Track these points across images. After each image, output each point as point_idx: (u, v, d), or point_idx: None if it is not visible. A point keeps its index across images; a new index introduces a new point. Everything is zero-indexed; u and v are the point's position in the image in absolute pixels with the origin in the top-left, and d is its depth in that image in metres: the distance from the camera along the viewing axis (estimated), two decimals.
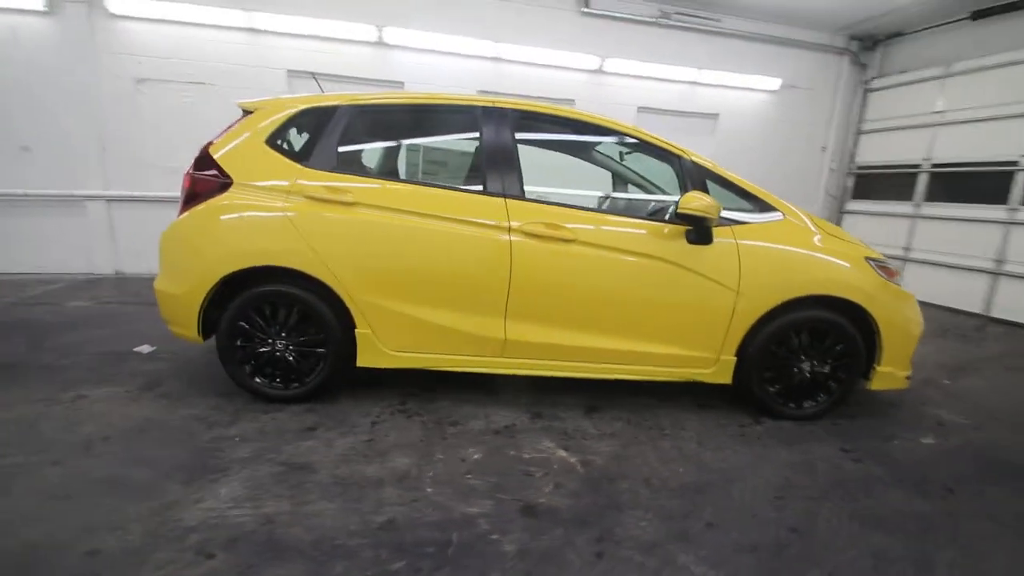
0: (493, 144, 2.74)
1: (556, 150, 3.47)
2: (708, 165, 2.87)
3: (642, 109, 7.00)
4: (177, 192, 5.77)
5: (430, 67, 6.25)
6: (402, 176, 3.73)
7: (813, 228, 2.91)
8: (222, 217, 2.61)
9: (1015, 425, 3.09)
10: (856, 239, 3.10)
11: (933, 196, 6.73)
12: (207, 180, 2.65)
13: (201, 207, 2.62)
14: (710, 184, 2.83)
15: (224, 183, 2.63)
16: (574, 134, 3.31)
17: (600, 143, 3.44)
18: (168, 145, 5.75)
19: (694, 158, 2.86)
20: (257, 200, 2.62)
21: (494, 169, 2.71)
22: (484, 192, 2.69)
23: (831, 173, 7.94)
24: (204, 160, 2.70)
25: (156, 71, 5.64)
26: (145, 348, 3.51)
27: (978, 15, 6.20)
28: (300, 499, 1.99)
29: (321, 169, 2.67)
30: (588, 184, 3.69)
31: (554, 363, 2.78)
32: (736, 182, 2.89)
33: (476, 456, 2.38)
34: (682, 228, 2.70)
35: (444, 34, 6.10)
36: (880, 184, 7.56)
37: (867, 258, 2.87)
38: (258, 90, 5.64)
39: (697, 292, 2.71)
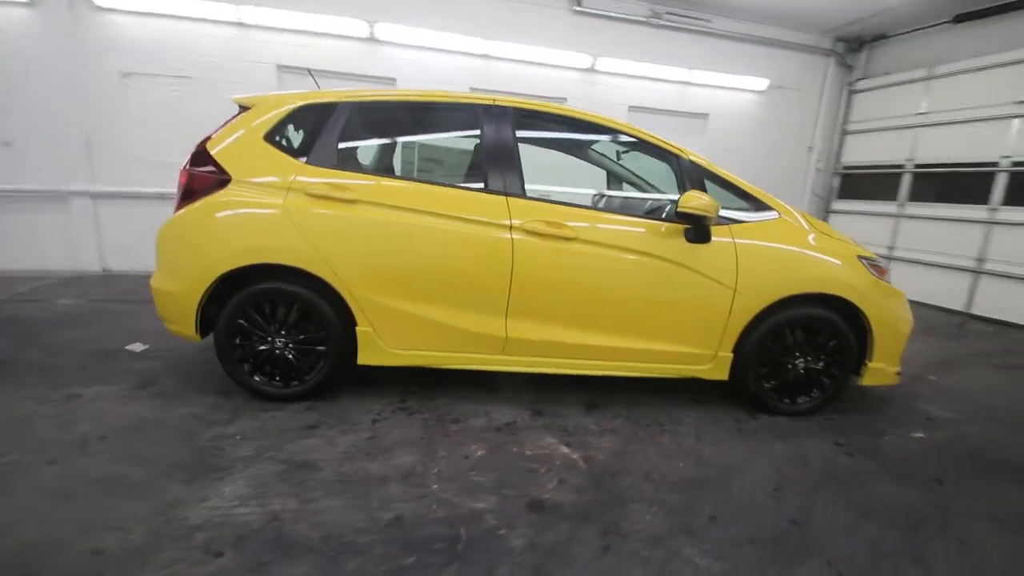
0: (494, 142, 2.74)
1: (557, 149, 3.49)
2: (706, 164, 2.90)
3: (633, 108, 7.06)
4: (166, 188, 5.74)
5: (422, 64, 6.22)
6: (398, 173, 3.72)
7: (807, 227, 2.96)
8: (221, 214, 2.58)
9: (1000, 419, 3.18)
10: (847, 237, 3.16)
11: (917, 196, 6.88)
12: (205, 176, 2.62)
13: (199, 203, 2.59)
14: (707, 183, 2.87)
15: (222, 179, 2.60)
16: (575, 133, 3.33)
17: (599, 142, 3.46)
18: (156, 140, 5.66)
19: (692, 157, 2.89)
20: (256, 197, 2.59)
21: (495, 167, 2.71)
22: (485, 190, 2.70)
23: (817, 173, 8.08)
24: (201, 156, 2.66)
25: (143, 65, 5.54)
26: (137, 346, 3.46)
27: (960, 19, 6.35)
28: (305, 497, 1.99)
29: (321, 166, 2.65)
30: (588, 183, 3.71)
31: (555, 360, 2.80)
32: (733, 181, 2.93)
33: (479, 453, 2.39)
34: (681, 227, 2.73)
35: (436, 30, 6.08)
36: (865, 184, 7.71)
37: (859, 256, 2.94)
38: (247, 85, 5.58)
39: (695, 290, 2.75)
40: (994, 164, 5.92)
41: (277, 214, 2.56)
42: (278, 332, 2.68)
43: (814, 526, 2.03)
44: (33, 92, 5.31)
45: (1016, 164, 5.73)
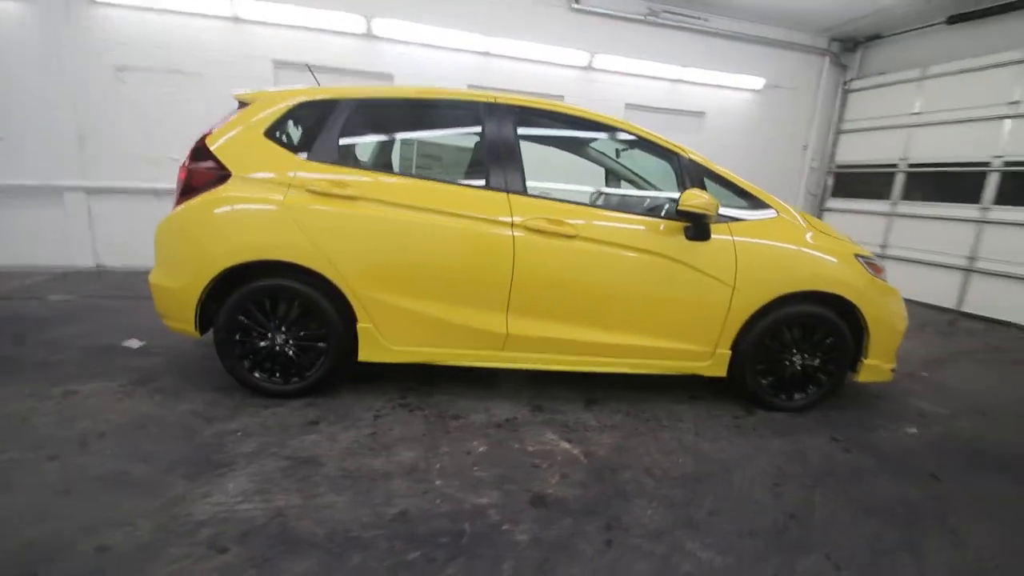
0: (496, 140, 2.74)
1: (559, 147, 3.50)
2: (706, 163, 2.92)
3: (630, 106, 7.07)
4: (160, 183, 5.69)
5: (419, 60, 6.20)
6: (399, 170, 3.71)
7: (805, 225, 2.99)
8: (221, 210, 2.57)
9: (991, 415, 3.23)
10: (844, 236, 3.20)
11: (910, 195, 6.95)
12: (205, 172, 2.60)
13: (199, 199, 2.57)
14: (707, 181, 2.89)
15: (222, 175, 2.59)
16: (577, 131, 3.33)
17: (601, 140, 3.47)
18: (150, 135, 5.62)
19: (692, 156, 2.91)
20: (257, 193, 2.58)
21: (497, 165, 2.72)
22: (487, 187, 2.70)
23: (812, 171, 8.14)
24: (201, 152, 2.64)
25: (136, 59, 5.48)
26: (134, 343, 3.44)
27: (954, 20, 6.41)
28: (309, 492, 1.99)
29: (322, 162, 2.65)
30: (588, 180, 3.72)
31: (555, 357, 2.81)
32: (732, 180, 2.96)
33: (481, 449, 2.40)
34: (681, 225, 2.75)
35: (434, 27, 6.05)
36: (858, 183, 7.78)
37: (856, 255, 2.97)
38: (243, 80, 5.54)
39: (695, 287, 2.77)
40: (986, 164, 5.99)
41: (278, 210, 2.56)
42: (278, 329, 2.68)
43: (813, 520, 2.06)
44: (26, 85, 5.24)
45: (1007, 164, 5.81)
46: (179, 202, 2.64)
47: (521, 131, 2.81)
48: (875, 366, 3.01)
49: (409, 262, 2.64)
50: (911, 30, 6.95)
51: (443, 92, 2.93)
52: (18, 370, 2.94)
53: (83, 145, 5.49)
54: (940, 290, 6.39)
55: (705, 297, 2.79)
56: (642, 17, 6.74)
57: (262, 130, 2.67)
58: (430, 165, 4.47)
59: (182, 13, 5.46)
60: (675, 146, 2.92)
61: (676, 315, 2.81)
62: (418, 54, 6.19)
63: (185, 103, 5.63)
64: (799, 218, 3.00)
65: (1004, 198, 5.84)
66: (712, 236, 2.75)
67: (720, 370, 2.92)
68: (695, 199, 2.61)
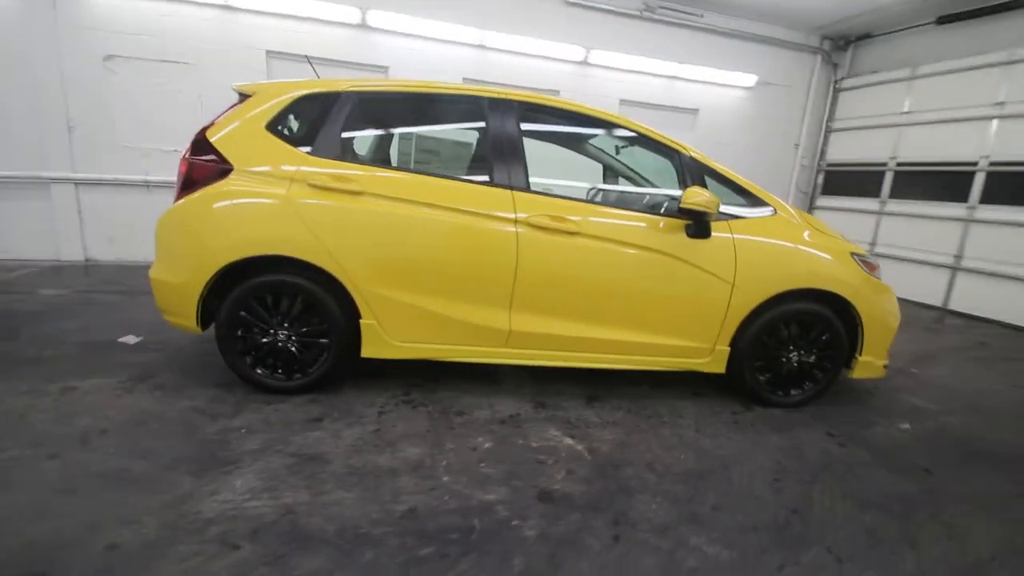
0: (500, 136, 2.74)
1: (562, 144, 3.50)
2: (706, 161, 2.95)
3: (624, 102, 7.09)
4: (150, 176, 5.60)
5: (414, 52, 6.15)
6: (403, 165, 3.69)
7: (802, 223, 3.03)
8: (223, 204, 2.54)
9: (979, 410, 3.32)
10: (840, 234, 3.25)
11: (898, 193, 7.06)
12: (206, 165, 2.57)
13: (201, 193, 2.54)
14: (707, 179, 2.91)
15: (224, 169, 2.56)
16: (580, 127, 3.33)
17: (602, 137, 3.48)
18: (140, 126, 5.52)
19: (693, 154, 2.93)
20: (259, 187, 2.56)
21: (500, 161, 2.72)
22: (490, 183, 2.70)
23: (802, 169, 8.24)
24: (201, 145, 2.61)
25: (125, 48, 5.36)
26: (131, 338, 3.39)
27: (943, 20, 6.50)
28: (317, 489, 1.99)
29: (324, 156, 2.63)
30: (590, 177, 3.73)
31: (557, 353, 2.83)
32: (731, 178, 2.99)
33: (486, 445, 2.41)
34: (682, 222, 2.77)
35: (429, 19, 6.01)
36: (848, 181, 7.88)
37: (852, 253, 3.02)
38: (236, 70, 5.46)
39: (695, 284, 2.80)
40: (973, 164, 6.11)
41: (280, 205, 2.53)
42: (281, 324, 2.66)
43: (813, 514, 2.10)
44: (12, 74, 5.12)
45: (994, 164, 5.92)
46: (180, 196, 2.61)
47: (525, 127, 2.81)
48: (869, 362, 3.07)
49: (413, 258, 2.63)
50: (901, 30, 7.04)
51: (448, 87, 2.92)
52: (12, 366, 2.90)
53: (71, 136, 5.37)
54: (927, 288, 6.51)
55: (705, 294, 2.82)
56: (638, 13, 6.74)
57: (264, 123, 2.64)
58: (437, 161, 4.44)
59: (174, 0, 5.35)
60: (677, 144, 2.94)
61: (677, 312, 2.84)
62: (413, 46, 6.14)
63: (177, 93, 5.55)
64: (796, 216, 3.05)
65: (990, 197, 5.97)
66: (712, 234, 2.78)
67: (719, 366, 2.96)
68: (697, 197, 2.63)
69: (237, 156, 2.58)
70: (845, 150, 7.91)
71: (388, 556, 1.69)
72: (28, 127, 5.24)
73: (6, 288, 4.46)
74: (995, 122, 5.93)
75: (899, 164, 7.03)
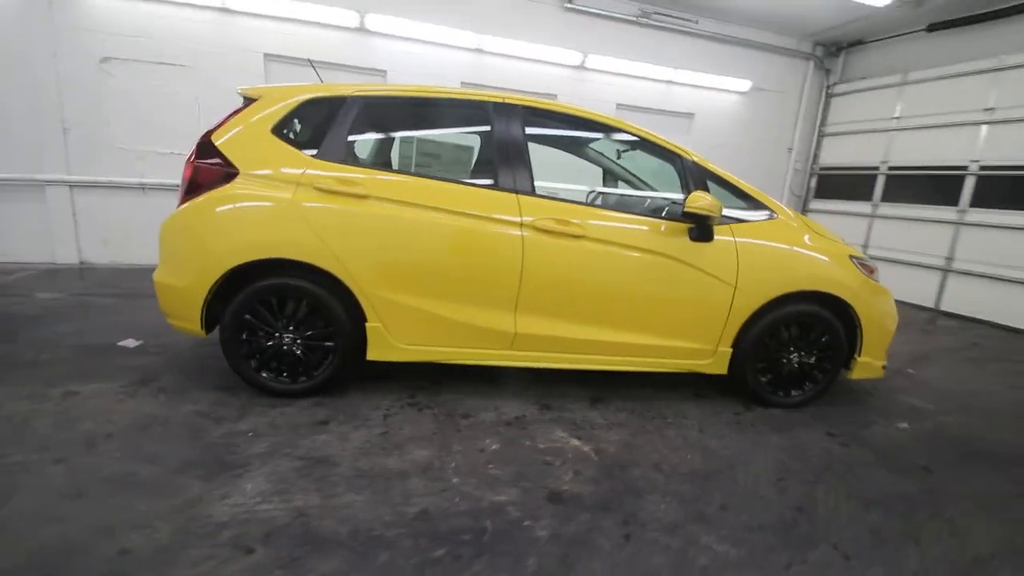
0: (505, 140, 2.76)
1: (567, 149, 3.53)
2: (708, 165, 2.98)
3: (621, 106, 7.14)
4: (146, 178, 5.56)
5: (412, 56, 6.17)
6: (408, 169, 3.70)
7: (802, 227, 3.08)
8: (228, 207, 2.54)
9: (975, 410, 3.37)
10: (838, 237, 3.29)
11: (890, 197, 7.17)
12: (211, 169, 2.57)
13: (206, 196, 2.54)
14: (709, 183, 2.95)
15: (229, 172, 2.56)
16: (584, 132, 3.37)
17: (607, 142, 3.51)
18: (135, 128, 5.49)
19: (695, 158, 2.97)
20: (264, 190, 2.56)
21: (506, 165, 2.74)
22: (496, 187, 2.71)
23: (796, 173, 8.33)
24: (206, 148, 2.60)
25: (122, 50, 5.33)
26: (130, 342, 3.37)
27: (933, 28, 6.62)
28: (327, 492, 1.99)
29: (330, 160, 2.63)
30: (593, 182, 3.76)
31: (562, 356, 2.85)
32: (733, 182, 3.02)
33: (494, 447, 2.42)
34: (684, 225, 2.80)
35: (427, 23, 6.03)
36: (841, 184, 7.98)
37: (850, 256, 3.07)
38: (233, 73, 5.47)
39: (698, 287, 2.83)
40: (963, 168, 6.21)
41: (286, 208, 2.54)
42: (286, 328, 2.66)
43: (819, 512, 2.13)
44: (8, 76, 5.07)
45: (984, 168, 6.03)
46: (184, 199, 2.60)
47: (529, 131, 2.83)
48: (868, 363, 3.11)
49: (419, 261, 2.64)
50: (893, 37, 7.16)
51: (453, 92, 2.93)
52: (11, 370, 2.87)
53: (66, 138, 5.33)
54: (919, 289, 6.61)
55: (708, 296, 2.85)
56: (634, 18, 6.81)
57: (269, 127, 2.64)
58: (443, 165, 4.44)
59: (171, 3, 5.34)
60: (679, 148, 2.97)
61: (680, 314, 2.87)
62: (411, 50, 6.16)
63: (173, 96, 5.52)
64: (796, 220, 3.09)
65: (980, 201, 6.07)
66: (715, 237, 2.81)
67: (721, 368, 2.99)
68: (700, 201, 2.66)
69: (243, 159, 2.58)
70: (837, 154, 8.02)
71: (403, 557, 1.70)
72: (24, 129, 5.19)
73: (4, 292, 4.41)
74: (984, 127, 6.04)
75: (891, 168, 7.13)
